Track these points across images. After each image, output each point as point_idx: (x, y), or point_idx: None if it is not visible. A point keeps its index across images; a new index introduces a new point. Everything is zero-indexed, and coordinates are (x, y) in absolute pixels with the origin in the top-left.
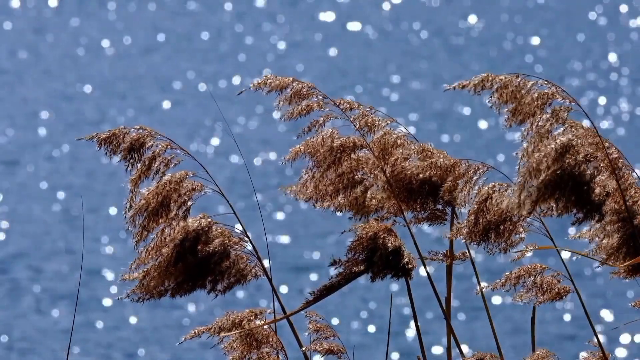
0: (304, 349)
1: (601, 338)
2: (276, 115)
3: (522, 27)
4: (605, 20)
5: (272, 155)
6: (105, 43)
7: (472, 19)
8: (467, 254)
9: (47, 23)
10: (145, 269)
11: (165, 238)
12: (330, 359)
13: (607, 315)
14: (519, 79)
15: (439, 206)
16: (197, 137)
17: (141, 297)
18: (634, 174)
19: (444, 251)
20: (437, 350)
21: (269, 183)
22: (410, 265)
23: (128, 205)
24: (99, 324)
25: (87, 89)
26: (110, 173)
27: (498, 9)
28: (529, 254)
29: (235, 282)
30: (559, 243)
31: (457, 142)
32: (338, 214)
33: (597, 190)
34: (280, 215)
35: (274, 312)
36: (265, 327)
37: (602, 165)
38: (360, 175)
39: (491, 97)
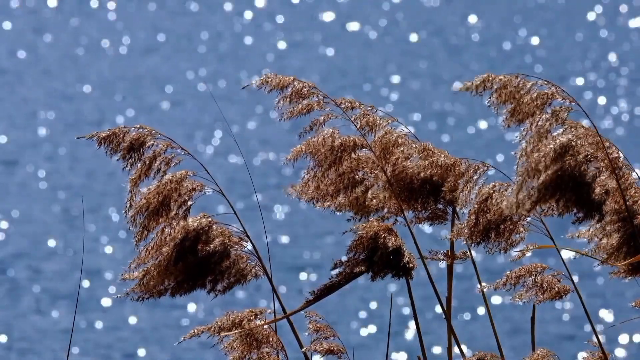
0: (304, 349)
1: (600, 338)
2: (274, 114)
3: (521, 27)
4: (605, 20)
5: (272, 155)
6: (105, 43)
7: (472, 18)
8: (468, 253)
9: (47, 23)
10: (145, 268)
11: (165, 237)
12: (330, 359)
13: (606, 315)
14: (519, 79)
15: (440, 206)
16: (196, 137)
17: (141, 296)
18: (634, 173)
19: (445, 251)
20: (436, 350)
21: (268, 183)
22: (410, 265)
23: (128, 205)
24: (99, 324)
25: (87, 89)
26: (110, 173)
27: (498, 9)
28: (528, 254)
29: (236, 282)
30: (559, 243)
31: (457, 142)
32: (338, 213)
33: (598, 190)
34: (279, 215)
35: (274, 312)
36: (265, 327)
37: (602, 165)
38: (360, 175)
39: (490, 97)
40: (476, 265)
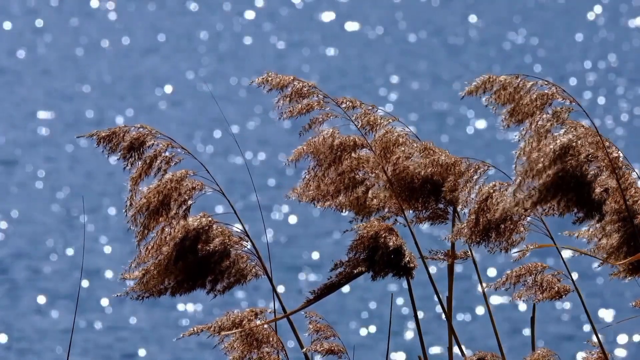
0: (304, 349)
1: (600, 338)
2: (273, 115)
3: (521, 27)
4: (605, 20)
5: (271, 156)
6: (105, 43)
7: (472, 18)
8: (469, 253)
9: (47, 23)
10: (145, 267)
11: (165, 237)
12: (330, 359)
13: (605, 315)
14: (519, 79)
15: (441, 205)
16: (196, 136)
17: (141, 295)
18: (634, 173)
19: (445, 250)
20: (435, 350)
21: (267, 183)
22: (411, 265)
23: (129, 204)
24: (98, 325)
25: (87, 89)
26: (109, 173)
27: (497, 9)
28: (528, 254)
29: (236, 281)
30: (558, 242)
31: (457, 142)
32: (340, 213)
33: (598, 189)
34: (278, 215)
35: (274, 312)
36: (265, 326)
37: (602, 164)
38: (361, 175)
39: (490, 98)
40: (477, 265)
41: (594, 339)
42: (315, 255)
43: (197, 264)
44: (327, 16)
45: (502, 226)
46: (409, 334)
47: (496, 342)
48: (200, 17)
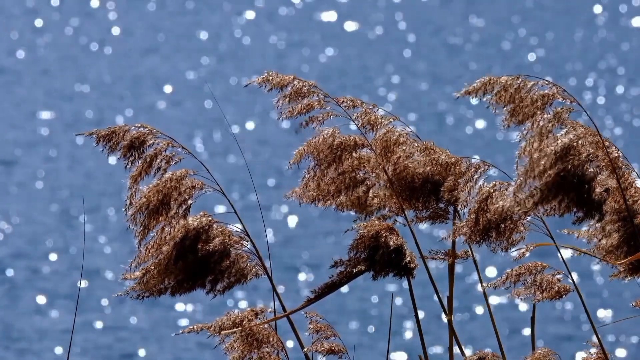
0: (305, 349)
1: (596, 338)
2: (273, 115)
3: (521, 27)
4: (605, 20)
5: (271, 155)
6: (105, 43)
7: (471, 18)
8: (469, 252)
9: (47, 23)
10: (146, 267)
11: (165, 236)
12: (331, 358)
13: (603, 315)
14: (520, 80)
15: (441, 205)
16: (195, 136)
17: (141, 295)
18: (634, 173)
19: (445, 250)
20: (435, 350)
21: (266, 183)
22: (412, 264)
23: (128, 203)
24: (98, 324)
25: (86, 89)
26: (108, 173)
27: (497, 9)
28: (527, 254)
29: (236, 281)
30: (559, 243)
31: (456, 142)
32: (341, 212)
33: (598, 189)
34: (277, 215)
35: (274, 312)
36: (265, 326)
37: (602, 164)
38: (362, 175)
39: (491, 99)
40: (477, 264)
41: (594, 339)
42: (314, 255)
43: (197, 264)
44: (327, 16)
45: (502, 226)
46: (408, 334)
47: (494, 342)
48: (200, 17)
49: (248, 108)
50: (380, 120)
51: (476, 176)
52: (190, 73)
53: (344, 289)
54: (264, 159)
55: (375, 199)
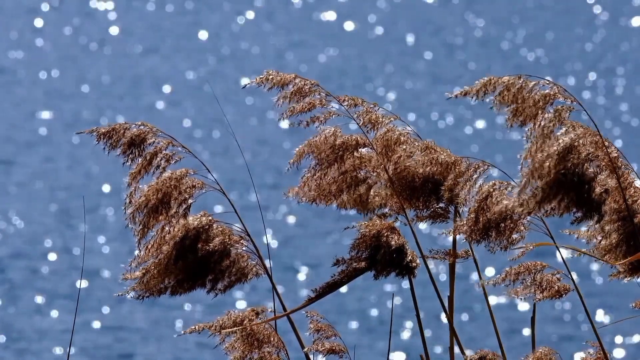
0: (305, 349)
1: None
2: (272, 114)
3: (520, 26)
4: (605, 20)
5: (270, 155)
6: (105, 43)
7: (471, 18)
8: (470, 252)
9: (47, 23)
10: (146, 267)
11: (165, 236)
12: (331, 358)
13: (602, 315)
14: (521, 80)
15: (442, 204)
16: (195, 136)
17: (141, 295)
18: (633, 173)
19: (446, 250)
20: (433, 350)
21: (265, 182)
22: (413, 264)
23: (127, 201)
24: (97, 324)
25: (86, 89)
26: (108, 173)
27: (497, 9)
28: (527, 253)
29: (236, 280)
30: (559, 243)
31: (456, 142)
32: (340, 212)
33: (598, 189)
34: (276, 215)
35: (274, 311)
36: (266, 326)
37: (602, 164)
38: (363, 174)
39: (494, 99)
40: (477, 263)
41: (596, 339)
42: (313, 255)
43: (197, 264)
44: (327, 16)
45: (502, 225)
46: (406, 334)
47: (494, 343)
48: (200, 17)
49: (248, 108)
50: (381, 119)
51: (476, 176)
52: (190, 73)
53: (344, 289)
54: (263, 159)
55: (377, 198)
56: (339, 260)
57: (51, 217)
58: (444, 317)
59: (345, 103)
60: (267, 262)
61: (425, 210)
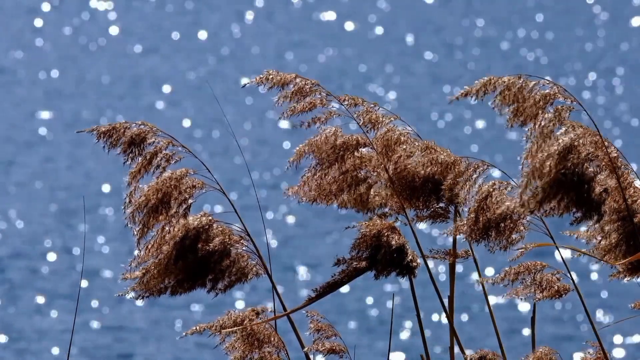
0: (306, 348)
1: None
2: (272, 114)
3: (521, 26)
4: (605, 20)
5: (270, 155)
6: (105, 43)
7: (471, 18)
8: (470, 252)
9: (46, 23)
10: (146, 267)
11: (165, 236)
12: (331, 358)
13: (601, 315)
14: (521, 79)
15: (442, 204)
16: (195, 136)
17: (141, 295)
18: (632, 173)
19: (446, 250)
20: (433, 350)
21: (263, 183)
22: (414, 264)
23: (127, 201)
24: (97, 324)
25: (86, 89)
26: (108, 173)
27: (497, 9)
28: (526, 253)
29: (236, 280)
30: (559, 243)
31: (455, 142)
32: (340, 212)
33: (597, 189)
34: (275, 215)
35: (274, 311)
36: (266, 326)
37: (602, 164)
38: (363, 173)
39: (495, 99)
40: (477, 263)
41: (594, 339)
42: (312, 255)
43: (197, 264)
44: (327, 16)
45: (502, 225)
46: (404, 334)
47: (493, 343)
48: (200, 17)
49: (247, 108)
50: (381, 119)
51: (475, 175)
52: (189, 73)
53: (344, 289)
54: (263, 159)
55: (377, 197)
56: (339, 260)
57: (51, 217)
58: (442, 317)
59: (345, 103)
60: (266, 262)
61: (425, 210)
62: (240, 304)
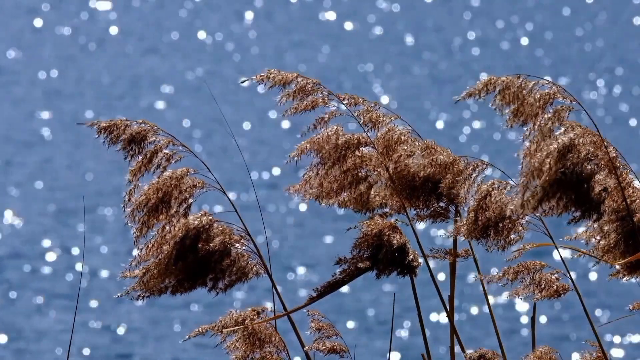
0: (306, 348)
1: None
2: (272, 114)
3: (521, 26)
4: (604, 20)
5: (269, 155)
6: (104, 43)
7: (471, 18)
8: (470, 251)
9: (46, 23)
10: (146, 266)
11: (165, 235)
12: (332, 358)
13: (600, 315)
14: (520, 79)
15: (442, 204)
16: (194, 136)
17: (141, 295)
18: (631, 173)
19: (446, 249)
20: (432, 350)
21: (262, 182)
22: (415, 263)
23: (127, 199)
24: (97, 324)
25: (85, 89)
26: (107, 173)
27: (497, 9)
28: (524, 253)
29: (237, 280)
30: (557, 243)
31: (455, 142)
32: (339, 212)
33: (597, 188)
34: (273, 215)
35: (274, 311)
36: (267, 326)
37: (602, 163)
38: (364, 173)
39: (494, 99)
40: (478, 262)
41: (593, 338)
42: (311, 255)
43: (197, 263)
44: (327, 16)
45: (501, 224)
46: (402, 333)
47: (493, 343)
48: (200, 17)
49: (247, 107)
50: (381, 118)
51: (474, 175)
52: (189, 73)
53: (344, 289)
54: (262, 159)
55: (377, 197)
56: (341, 260)
57: (50, 217)
58: (439, 317)
59: (346, 102)
60: (266, 262)
61: (425, 209)
62: (238, 304)
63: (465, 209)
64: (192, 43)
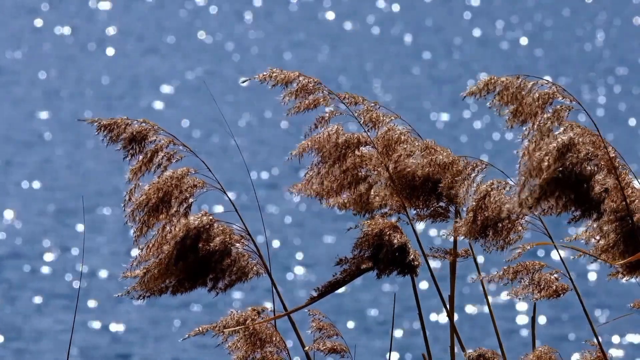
0: (307, 347)
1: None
2: (271, 114)
3: (519, 26)
4: (605, 20)
5: (268, 155)
6: (104, 43)
7: (471, 18)
8: (470, 251)
9: (46, 23)
10: (146, 266)
11: (166, 235)
12: (332, 358)
13: (599, 315)
14: (520, 79)
15: (442, 204)
16: (194, 136)
17: (141, 295)
18: (631, 174)
19: (446, 249)
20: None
21: (262, 182)
22: (415, 262)
23: (127, 198)
24: (95, 324)
25: (85, 89)
26: (106, 173)
27: (497, 9)
28: (525, 253)
29: (237, 279)
30: (557, 242)
31: (455, 142)
32: (339, 212)
33: (597, 188)
34: (274, 215)
35: (274, 311)
36: (268, 326)
37: (602, 163)
38: (364, 172)
39: (493, 99)
40: (477, 262)
41: (593, 338)
42: (310, 255)
43: (198, 263)
44: (327, 16)
45: (500, 224)
46: (399, 333)
47: (492, 343)
48: (200, 17)
49: (246, 108)
50: (381, 118)
51: (473, 174)
52: (188, 73)
53: (342, 289)
54: (261, 159)
55: (377, 197)
56: (341, 260)
57: (49, 217)
58: (438, 316)
59: (346, 101)
60: (267, 262)
61: (425, 209)
62: (238, 304)
63: (465, 209)
64: (192, 43)
